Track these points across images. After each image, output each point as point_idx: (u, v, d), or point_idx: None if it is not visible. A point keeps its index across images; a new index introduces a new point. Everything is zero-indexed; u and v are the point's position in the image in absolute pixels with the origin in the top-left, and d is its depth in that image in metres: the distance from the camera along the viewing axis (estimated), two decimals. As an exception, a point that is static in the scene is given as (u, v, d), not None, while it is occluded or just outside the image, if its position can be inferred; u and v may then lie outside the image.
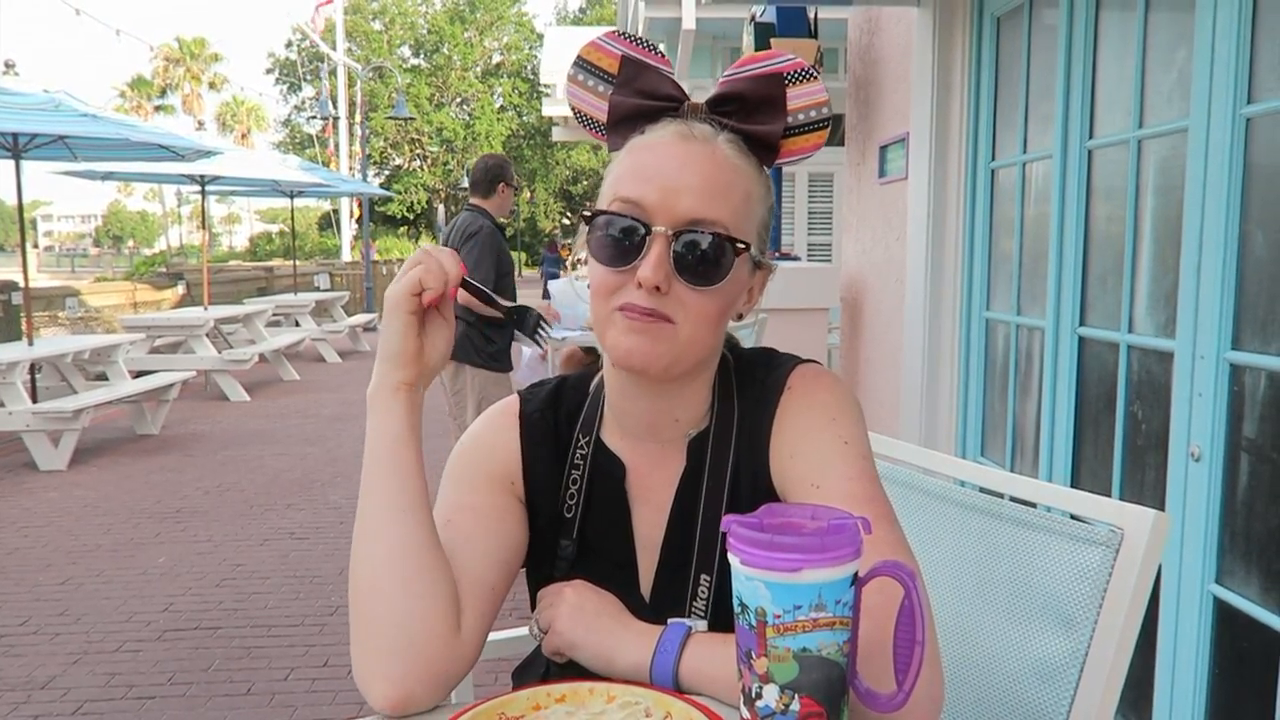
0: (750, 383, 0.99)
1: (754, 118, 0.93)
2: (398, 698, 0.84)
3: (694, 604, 0.94)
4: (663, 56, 0.96)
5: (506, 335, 4.30)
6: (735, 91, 0.93)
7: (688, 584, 0.95)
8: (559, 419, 1.04)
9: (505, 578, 0.96)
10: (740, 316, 0.99)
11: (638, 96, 0.94)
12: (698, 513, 0.96)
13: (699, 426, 0.99)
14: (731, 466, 0.97)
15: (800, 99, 0.94)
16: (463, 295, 0.94)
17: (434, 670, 0.85)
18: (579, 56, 0.97)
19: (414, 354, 0.90)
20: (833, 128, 0.98)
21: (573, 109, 0.98)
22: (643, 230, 0.88)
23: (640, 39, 0.97)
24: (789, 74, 0.93)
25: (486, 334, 4.21)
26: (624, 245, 0.89)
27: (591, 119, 0.98)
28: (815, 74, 0.94)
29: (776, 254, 4.73)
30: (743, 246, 0.90)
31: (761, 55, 0.95)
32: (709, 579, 0.94)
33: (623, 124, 0.95)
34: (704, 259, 0.88)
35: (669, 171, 0.89)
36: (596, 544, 1.00)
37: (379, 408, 0.91)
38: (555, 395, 1.06)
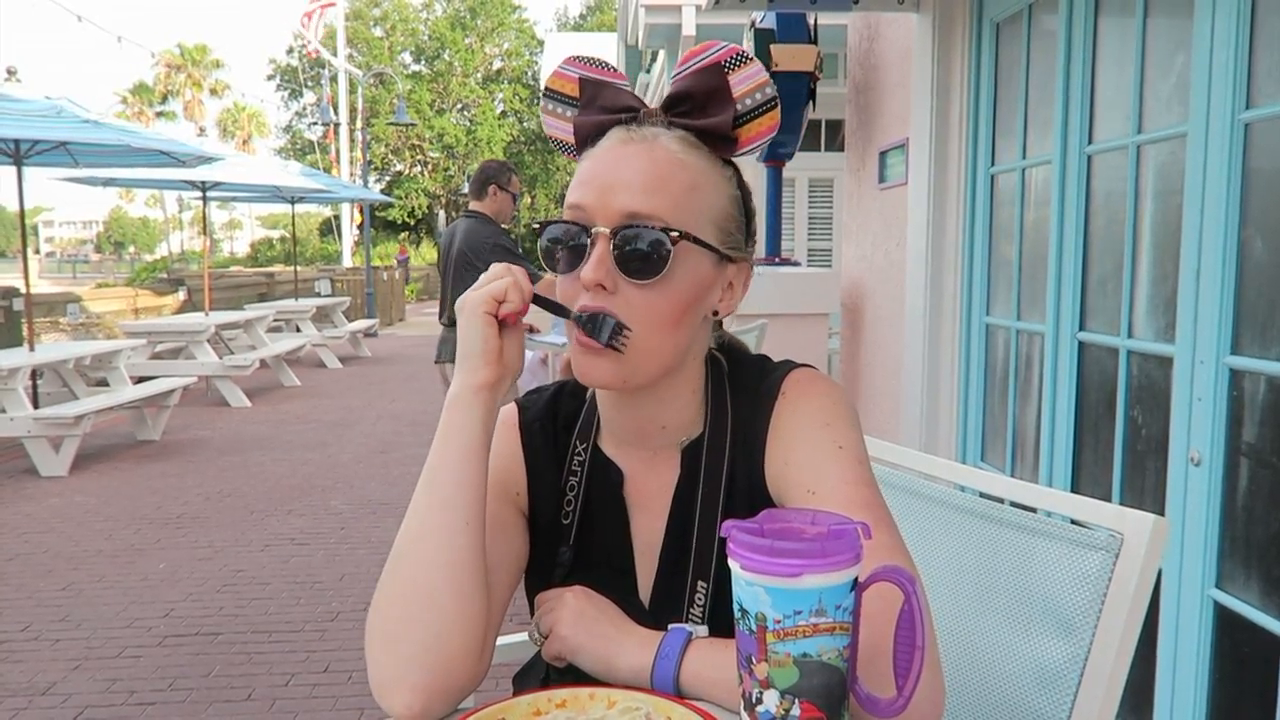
0: (744, 389, 0.99)
1: (706, 112, 0.93)
2: (419, 709, 0.83)
3: (691, 610, 0.94)
4: (616, 71, 0.98)
5: None
6: (683, 90, 0.94)
7: (685, 590, 0.95)
8: (557, 426, 1.04)
9: (510, 589, 0.97)
10: (717, 313, 0.98)
11: (599, 113, 0.96)
12: (694, 519, 0.96)
13: (691, 433, 0.99)
14: (726, 473, 0.96)
15: (743, 84, 0.94)
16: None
17: (457, 685, 0.85)
18: (545, 88, 1.00)
19: (496, 352, 0.89)
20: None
21: (549, 137, 1.01)
22: (585, 232, 0.90)
23: (593, 59, 0.99)
24: (727, 61, 0.94)
25: None
26: (571, 251, 0.91)
27: (566, 144, 1.00)
28: (751, 57, 0.94)
29: (777, 259, 4.73)
30: (677, 235, 0.89)
31: (699, 49, 0.95)
32: (705, 585, 0.94)
33: (589, 141, 0.96)
34: (644, 253, 0.89)
35: (605, 172, 0.91)
36: (595, 550, 1.00)
37: (458, 408, 0.89)
38: (553, 402, 1.06)
